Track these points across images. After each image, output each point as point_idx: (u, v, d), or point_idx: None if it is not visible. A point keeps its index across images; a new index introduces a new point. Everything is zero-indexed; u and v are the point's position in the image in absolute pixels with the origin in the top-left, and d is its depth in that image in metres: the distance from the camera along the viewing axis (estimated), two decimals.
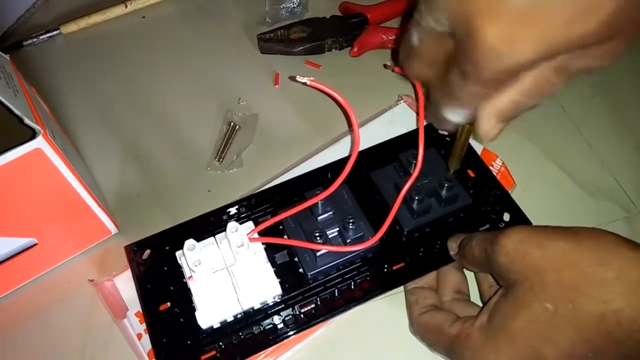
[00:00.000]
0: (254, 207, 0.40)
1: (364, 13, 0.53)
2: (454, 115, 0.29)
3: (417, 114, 0.36)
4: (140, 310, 0.37)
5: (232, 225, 0.35)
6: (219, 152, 0.46)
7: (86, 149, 0.48)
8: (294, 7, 0.55)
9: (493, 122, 0.28)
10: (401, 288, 0.38)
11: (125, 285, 0.39)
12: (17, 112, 0.32)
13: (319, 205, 0.37)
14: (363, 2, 0.54)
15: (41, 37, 0.55)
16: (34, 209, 0.36)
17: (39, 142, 0.32)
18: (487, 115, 0.28)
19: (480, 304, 0.35)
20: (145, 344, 0.36)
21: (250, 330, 0.35)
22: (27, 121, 0.32)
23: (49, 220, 0.37)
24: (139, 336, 0.37)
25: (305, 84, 0.29)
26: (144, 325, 0.37)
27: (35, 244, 0.38)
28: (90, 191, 0.38)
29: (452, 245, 0.36)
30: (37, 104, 0.36)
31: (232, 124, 0.48)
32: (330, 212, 0.37)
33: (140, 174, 0.46)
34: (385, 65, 0.50)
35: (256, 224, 0.37)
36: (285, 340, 0.35)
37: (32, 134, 0.32)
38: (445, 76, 0.27)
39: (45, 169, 0.34)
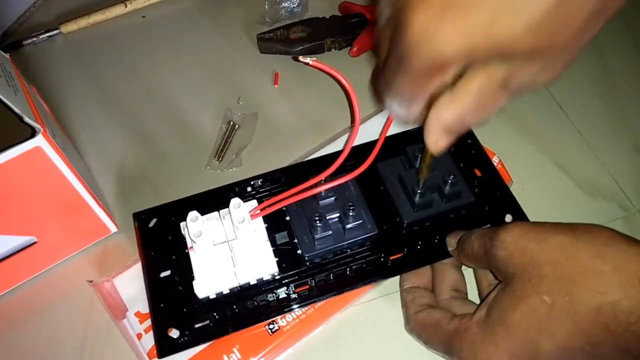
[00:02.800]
0: (259, 188, 0.41)
1: (364, 13, 0.53)
2: (396, 107, 0.29)
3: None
4: (140, 310, 0.37)
5: (235, 201, 0.35)
6: (219, 151, 0.47)
7: (86, 148, 0.48)
8: (293, 7, 0.55)
9: (437, 134, 0.28)
10: (398, 287, 0.38)
11: (124, 286, 0.39)
12: (16, 110, 0.32)
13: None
14: (362, 2, 0.55)
15: (41, 37, 0.55)
16: (34, 207, 0.36)
17: (39, 141, 0.32)
18: (432, 126, 0.28)
19: (478, 303, 0.35)
20: (145, 344, 0.36)
21: (244, 304, 0.35)
22: (26, 119, 0.32)
23: (48, 219, 0.38)
24: (139, 336, 0.37)
25: (307, 64, 0.30)
26: (143, 325, 0.37)
27: (35, 242, 0.38)
28: (90, 190, 0.38)
29: (451, 241, 0.36)
30: (36, 102, 0.36)
31: (232, 123, 0.48)
32: (332, 198, 0.38)
33: (139, 173, 0.46)
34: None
35: (260, 203, 0.37)
36: (282, 337, 0.36)
37: (32, 133, 0.32)
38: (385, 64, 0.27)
39: (44, 167, 0.34)
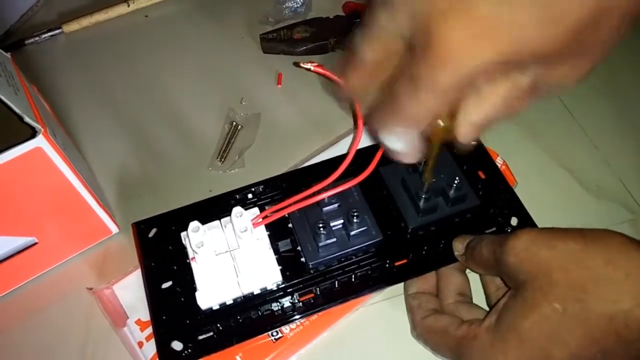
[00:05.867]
0: (260, 194, 0.40)
1: None
2: (393, 142, 0.28)
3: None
4: (141, 318, 0.37)
5: (237, 210, 0.35)
6: (221, 152, 0.46)
7: (87, 148, 0.47)
8: (297, 6, 0.55)
9: (466, 131, 0.27)
10: (402, 290, 0.37)
11: (124, 293, 0.38)
12: (17, 110, 0.32)
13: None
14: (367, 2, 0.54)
15: (43, 36, 0.55)
16: (34, 207, 0.36)
17: (39, 141, 0.32)
18: (461, 125, 0.27)
19: (484, 307, 0.35)
20: (146, 352, 0.35)
21: (248, 314, 0.35)
22: (27, 120, 0.32)
23: (49, 219, 0.37)
24: (140, 344, 0.36)
25: (309, 69, 0.29)
26: (144, 333, 0.36)
27: (35, 243, 0.38)
28: (91, 190, 0.37)
29: (458, 246, 0.35)
30: (37, 102, 0.36)
31: (234, 123, 0.47)
32: (336, 205, 0.37)
33: (141, 173, 0.46)
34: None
35: (262, 210, 0.37)
36: (286, 345, 0.35)
37: (33, 133, 0.32)
38: (390, 89, 0.26)
39: (45, 167, 0.33)
